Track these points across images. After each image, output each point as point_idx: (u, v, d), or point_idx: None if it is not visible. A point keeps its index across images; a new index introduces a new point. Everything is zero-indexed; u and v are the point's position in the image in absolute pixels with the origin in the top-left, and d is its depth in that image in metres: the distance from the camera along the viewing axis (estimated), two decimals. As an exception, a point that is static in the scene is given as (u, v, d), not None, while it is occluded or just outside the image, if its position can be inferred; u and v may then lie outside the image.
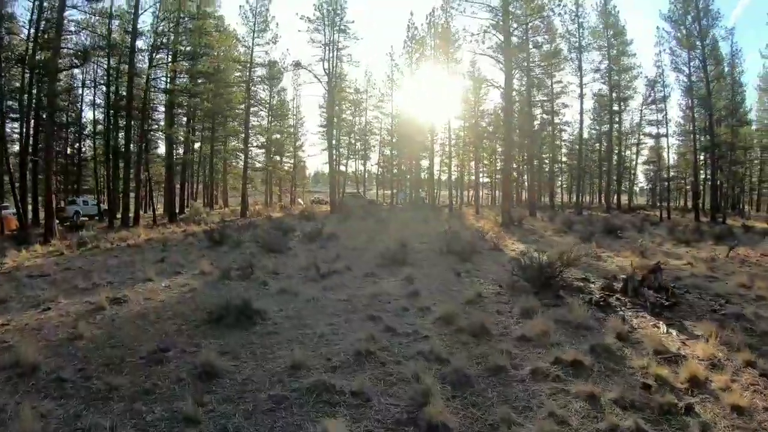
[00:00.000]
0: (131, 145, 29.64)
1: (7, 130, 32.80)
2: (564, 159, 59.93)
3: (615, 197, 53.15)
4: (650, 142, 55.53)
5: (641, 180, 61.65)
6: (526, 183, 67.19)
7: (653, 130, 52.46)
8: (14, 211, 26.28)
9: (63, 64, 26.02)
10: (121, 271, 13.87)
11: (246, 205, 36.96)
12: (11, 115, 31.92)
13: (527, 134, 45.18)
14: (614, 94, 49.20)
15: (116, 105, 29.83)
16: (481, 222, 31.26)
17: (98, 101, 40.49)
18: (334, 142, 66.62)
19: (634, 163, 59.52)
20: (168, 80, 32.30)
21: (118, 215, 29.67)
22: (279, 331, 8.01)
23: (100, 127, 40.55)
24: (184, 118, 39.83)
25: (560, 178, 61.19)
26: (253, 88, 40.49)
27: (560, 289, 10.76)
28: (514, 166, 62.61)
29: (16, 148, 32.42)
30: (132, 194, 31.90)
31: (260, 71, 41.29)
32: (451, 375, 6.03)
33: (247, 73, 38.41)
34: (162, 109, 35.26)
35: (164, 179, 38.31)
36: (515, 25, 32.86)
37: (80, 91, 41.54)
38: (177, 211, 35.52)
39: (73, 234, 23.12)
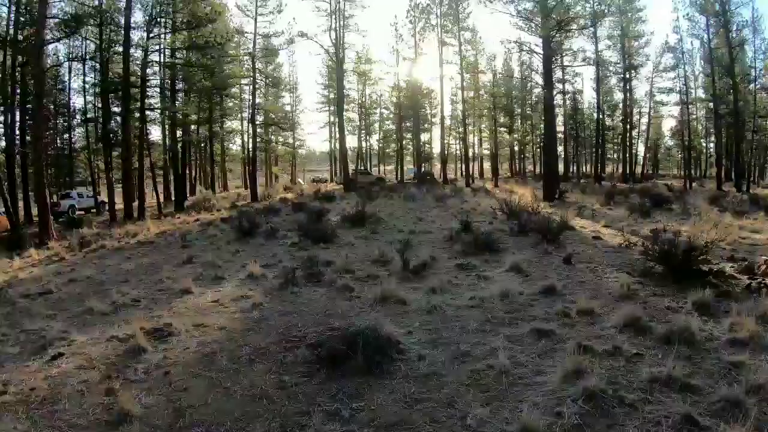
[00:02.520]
0: (129, 129, 26.16)
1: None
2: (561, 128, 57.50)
3: (627, 167, 51.75)
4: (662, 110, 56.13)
5: (641, 149, 59.44)
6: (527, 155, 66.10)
7: (664, 97, 52.77)
8: (2, 209, 23.05)
9: (50, 38, 22.39)
10: (144, 279, 10.77)
11: (255, 188, 33.57)
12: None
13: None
14: (627, 62, 48.05)
15: (111, 84, 26.21)
16: (515, 196, 28.44)
17: (87, 86, 37.02)
18: (336, 118, 63.98)
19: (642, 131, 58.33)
20: (168, 53, 28.82)
21: (119, 207, 26.52)
22: (438, 371, 5.29)
23: (91, 115, 37.08)
24: (180, 97, 36.16)
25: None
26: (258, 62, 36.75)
27: (708, 275, 8.38)
28: (516, 137, 60.38)
29: (3, 143, 29.03)
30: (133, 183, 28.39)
31: (264, 43, 37.47)
32: (728, 409, 4.18)
33: (252, 45, 34.63)
34: (156, 89, 31.66)
35: (164, 165, 35.07)
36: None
37: (67, 78, 38.15)
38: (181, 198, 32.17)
39: (72, 232, 20.00)
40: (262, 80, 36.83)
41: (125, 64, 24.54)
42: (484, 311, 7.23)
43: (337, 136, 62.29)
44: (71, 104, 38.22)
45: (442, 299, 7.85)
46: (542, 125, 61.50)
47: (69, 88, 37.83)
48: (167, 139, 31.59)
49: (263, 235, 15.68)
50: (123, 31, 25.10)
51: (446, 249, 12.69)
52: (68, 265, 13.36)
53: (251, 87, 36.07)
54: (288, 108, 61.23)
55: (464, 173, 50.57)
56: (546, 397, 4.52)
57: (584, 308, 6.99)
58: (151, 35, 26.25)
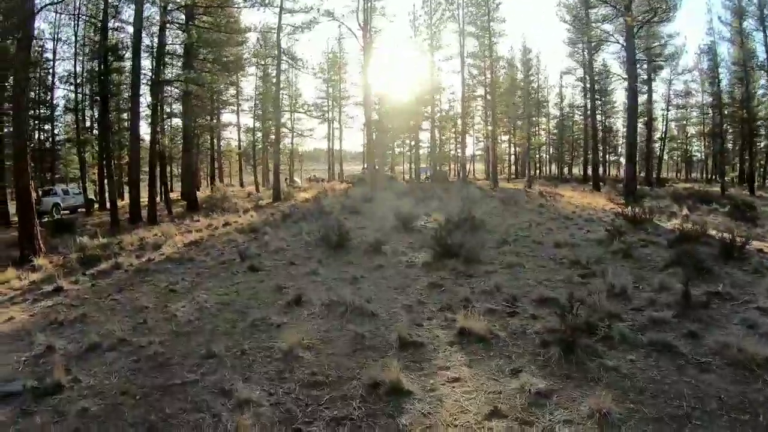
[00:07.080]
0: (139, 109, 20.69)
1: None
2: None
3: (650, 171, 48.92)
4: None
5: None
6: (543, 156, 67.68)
7: (679, 101, 52.19)
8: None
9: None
10: (246, 343, 5.70)
11: (279, 187, 27.97)
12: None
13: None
14: (651, 63, 45.40)
15: (117, 46, 20.41)
16: (586, 200, 24.01)
17: (81, 60, 31.38)
18: (331, 114, 58.77)
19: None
20: (185, 18, 23.19)
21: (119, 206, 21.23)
22: None
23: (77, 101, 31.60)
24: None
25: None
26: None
27: None
28: (531, 135, 56.92)
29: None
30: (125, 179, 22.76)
31: (291, 19, 31.49)
32: None
33: (278, 21, 28.90)
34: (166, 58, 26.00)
35: (157, 154, 29.30)
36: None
37: (51, 58, 32.09)
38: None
39: (62, 240, 14.70)
40: (286, 61, 30.72)
41: (138, 17, 18.75)
42: None
43: (342, 134, 58.34)
44: (55, 83, 32.12)
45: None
46: (548, 126, 60.03)
47: (53, 71, 31.73)
48: (185, 123, 26.03)
49: (361, 252, 10.54)
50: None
51: (630, 271, 8.47)
52: (72, 303, 8.04)
53: (277, 68, 30.08)
54: (286, 102, 55.83)
55: (491, 174, 45.50)
56: None
57: None
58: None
